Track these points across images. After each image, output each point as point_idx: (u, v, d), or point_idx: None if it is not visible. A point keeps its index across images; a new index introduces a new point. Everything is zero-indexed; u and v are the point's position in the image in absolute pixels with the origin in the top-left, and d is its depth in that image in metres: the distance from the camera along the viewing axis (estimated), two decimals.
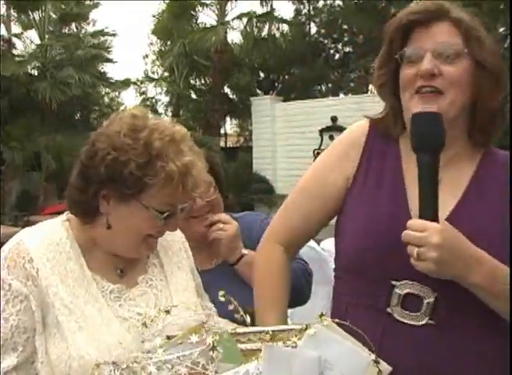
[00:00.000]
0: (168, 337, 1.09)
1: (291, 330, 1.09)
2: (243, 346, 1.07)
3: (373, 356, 1.07)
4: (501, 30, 10.43)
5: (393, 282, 1.23)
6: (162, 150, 1.18)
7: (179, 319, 1.15)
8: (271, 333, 1.09)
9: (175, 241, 1.44)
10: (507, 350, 1.20)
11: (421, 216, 1.14)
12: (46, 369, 1.15)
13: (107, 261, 1.28)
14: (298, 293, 1.70)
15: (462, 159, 1.31)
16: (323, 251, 3.70)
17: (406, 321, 1.21)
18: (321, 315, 1.07)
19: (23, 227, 1.34)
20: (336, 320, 1.07)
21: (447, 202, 1.24)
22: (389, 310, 1.23)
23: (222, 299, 1.11)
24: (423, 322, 1.20)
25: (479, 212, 1.24)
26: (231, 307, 1.11)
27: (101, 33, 16.80)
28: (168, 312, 1.10)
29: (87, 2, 17.44)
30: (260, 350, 1.03)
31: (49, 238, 1.23)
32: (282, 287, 1.40)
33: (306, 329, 1.06)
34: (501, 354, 1.21)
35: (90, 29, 17.76)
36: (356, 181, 1.36)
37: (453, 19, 1.26)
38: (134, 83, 19.96)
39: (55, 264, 1.20)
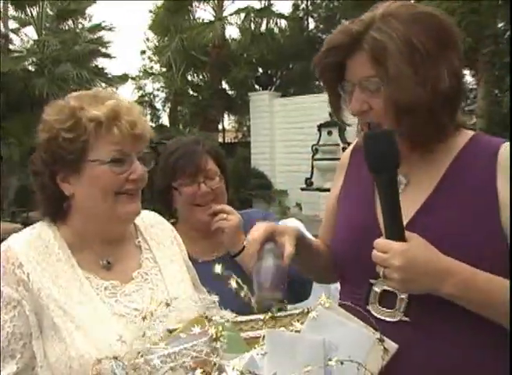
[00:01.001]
0: (170, 331, 1.09)
1: (293, 314, 1.10)
2: (245, 334, 1.07)
3: (378, 335, 1.06)
4: (500, 25, 10.40)
5: (372, 280, 1.25)
6: (81, 104, 1.21)
7: (179, 312, 1.15)
8: (273, 318, 1.09)
9: (166, 236, 1.44)
10: (485, 359, 1.17)
11: (386, 235, 1.13)
12: (46, 373, 1.15)
13: (96, 256, 1.28)
14: (300, 289, 1.72)
15: (436, 150, 1.26)
16: None
17: (382, 317, 1.22)
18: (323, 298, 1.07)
19: (22, 223, 1.34)
20: (339, 302, 1.07)
21: (419, 198, 1.24)
22: (368, 307, 1.24)
23: (234, 285, 1.10)
24: (397, 318, 1.20)
25: (450, 206, 1.21)
26: (242, 294, 1.10)
27: (98, 27, 16.70)
28: (168, 305, 1.10)
29: None
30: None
31: (37, 241, 1.23)
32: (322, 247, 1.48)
33: (308, 312, 1.06)
34: (476, 363, 1.17)
35: (87, 24, 17.66)
36: (339, 194, 1.45)
37: (366, 49, 1.19)
38: (132, 78, 19.91)
39: (46, 267, 1.20)
